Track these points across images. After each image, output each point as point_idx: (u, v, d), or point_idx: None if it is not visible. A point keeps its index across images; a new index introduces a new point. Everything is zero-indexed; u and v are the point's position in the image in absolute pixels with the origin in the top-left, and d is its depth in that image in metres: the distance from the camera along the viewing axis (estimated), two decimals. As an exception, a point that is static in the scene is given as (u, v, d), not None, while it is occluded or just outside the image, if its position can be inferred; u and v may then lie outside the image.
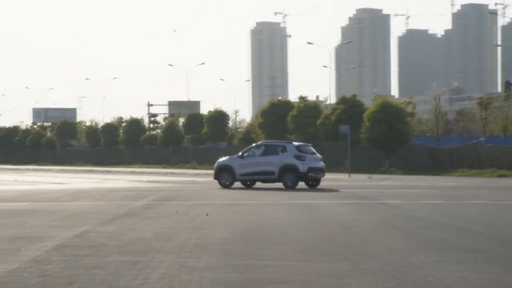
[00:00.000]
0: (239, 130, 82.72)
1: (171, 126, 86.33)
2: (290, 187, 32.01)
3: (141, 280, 8.94)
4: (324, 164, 33.71)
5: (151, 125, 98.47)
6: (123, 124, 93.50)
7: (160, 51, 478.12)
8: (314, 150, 33.72)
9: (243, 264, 10.22)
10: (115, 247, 12.10)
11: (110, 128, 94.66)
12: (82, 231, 14.45)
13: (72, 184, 39.33)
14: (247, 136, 74.32)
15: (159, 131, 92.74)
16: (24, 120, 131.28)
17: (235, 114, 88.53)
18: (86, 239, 13.14)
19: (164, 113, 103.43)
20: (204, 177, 46.20)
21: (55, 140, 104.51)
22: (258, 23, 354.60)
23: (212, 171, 35.65)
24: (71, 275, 9.29)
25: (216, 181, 33.50)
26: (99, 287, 8.47)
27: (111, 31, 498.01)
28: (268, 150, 33.40)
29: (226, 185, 32.71)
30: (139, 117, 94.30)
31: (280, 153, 32.87)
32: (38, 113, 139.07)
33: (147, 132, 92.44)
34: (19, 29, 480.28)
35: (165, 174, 57.06)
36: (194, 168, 70.65)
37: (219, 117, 79.10)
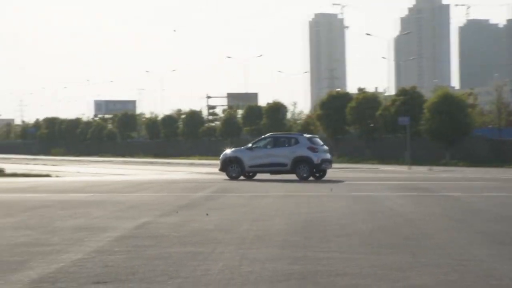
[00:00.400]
0: (297, 122, 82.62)
1: (229, 118, 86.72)
2: (305, 178, 32.35)
3: (202, 271, 9.03)
4: (331, 156, 34.57)
5: (210, 117, 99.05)
6: (182, 116, 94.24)
7: (218, 43, 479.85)
8: (322, 142, 34.29)
9: (302, 256, 10.24)
10: (176, 238, 12.23)
11: (170, 120, 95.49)
12: (143, 222, 14.64)
13: (133, 175, 39.83)
14: (306, 128, 74.21)
15: (217, 123, 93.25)
16: (86, 112, 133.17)
17: (293, 106, 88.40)
18: (148, 230, 13.31)
19: (222, 105, 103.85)
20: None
21: (116, 132, 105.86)
22: (315, 15, 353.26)
23: None
24: (133, 265, 9.43)
25: (221, 173, 33.95)
26: (160, 278, 8.59)
27: (170, 24, 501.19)
28: (278, 142, 33.79)
29: (233, 177, 32.81)
30: (198, 109, 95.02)
31: (292, 145, 33.28)
32: (99, 105, 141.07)
33: (206, 124, 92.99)
34: (80, 22, 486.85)
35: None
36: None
37: (278, 109, 79.21)
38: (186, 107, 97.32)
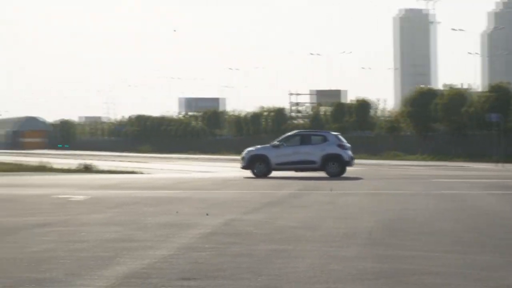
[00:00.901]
0: (384, 119, 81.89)
1: (314, 115, 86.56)
2: (335, 175, 32.62)
3: (289, 269, 9.07)
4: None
5: (295, 114, 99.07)
6: (266, 113, 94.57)
7: (302, 39, 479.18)
8: (345, 140, 34.86)
9: (389, 255, 10.18)
10: (262, 235, 12.31)
11: (255, 117, 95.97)
12: (229, 219, 14.77)
13: (219, 173, 40.20)
14: (393, 125, 73.54)
15: (301, 120, 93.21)
16: (173, 109, 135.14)
17: (380, 103, 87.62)
18: (234, 227, 13.43)
19: (306, 102, 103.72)
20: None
21: (202, 129, 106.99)
22: (402, 10, 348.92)
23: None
24: (220, 262, 9.54)
25: (242, 171, 34.18)
26: (247, 275, 8.66)
27: (253, 21, 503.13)
28: (305, 140, 34.06)
29: (259, 175, 32.75)
30: (282, 106, 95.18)
31: (320, 142, 33.63)
32: (185, 102, 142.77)
33: (291, 121, 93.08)
34: (165, 22, 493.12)
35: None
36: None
37: (364, 106, 78.70)
38: (270, 104, 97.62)
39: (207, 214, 15.50)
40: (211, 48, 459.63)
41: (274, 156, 33.21)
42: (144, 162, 59.38)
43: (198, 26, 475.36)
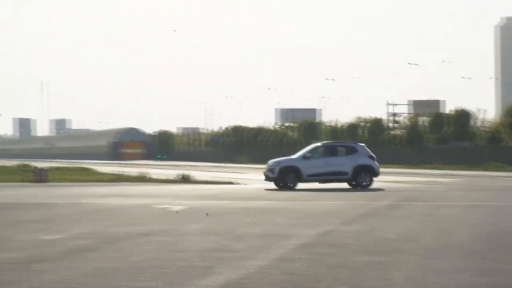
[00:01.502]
0: (484, 129, 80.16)
1: (412, 125, 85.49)
2: (366, 187, 32.58)
3: (386, 281, 8.99)
4: None
5: (392, 125, 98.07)
6: (364, 124, 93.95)
7: (399, 48, 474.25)
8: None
9: (490, 268, 9.96)
10: (359, 246, 12.23)
11: (352, 128, 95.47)
12: (325, 230, 14.73)
13: (314, 183, 40.06)
14: (493, 136, 71.93)
15: (399, 131, 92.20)
16: (270, 120, 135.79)
17: (480, 113, 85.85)
18: (330, 238, 13.39)
19: (404, 112, 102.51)
20: (448, 178, 45.30)
21: (297, 139, 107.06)
22: (503, 18, 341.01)
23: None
24: (316, 273, 9.53)
25: (266, 183, 33.68)
26: (344, 287, 8.62)
27: (351, 32, 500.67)
28: (335, 151, 34.04)
29: (291, 187, 32.40)
30: (380, 116, 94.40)
31: (350, 153, 33.57)
32: (282, 113, 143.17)
33: (388, 132, 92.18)
34: (264, 34, 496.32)
35: (407, 174, 56.55)
36: (437, 168, 69.42)
37: (463, 116, 77.26)
38: (367, 115, 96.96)
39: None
40: (308, 58, 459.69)
41: (306, 168, 32.90)
42: (242, 173, 59.82)
43: (296, 37, 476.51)
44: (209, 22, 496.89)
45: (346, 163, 33.14)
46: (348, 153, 33.80)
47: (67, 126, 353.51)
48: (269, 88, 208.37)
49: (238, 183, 39.11)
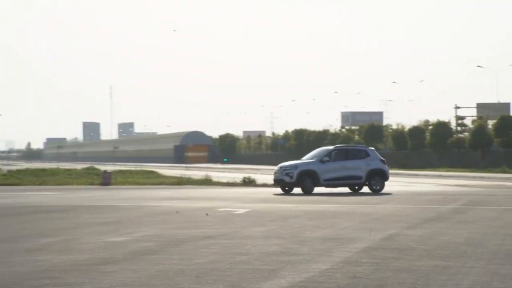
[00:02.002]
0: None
1: (480, 129, 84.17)
2: (378, 191, 32.22)
3: (452, 286, 8.84)
4: None
5: (459, 128, 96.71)
6: (430, 127, 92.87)
7: (468, 51, 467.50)
8: None
9: (560, 274, 9.70)
10: (424, 251, 12.07)
11: (417, 131, 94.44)
12: (390, 234, 14.59)
13: (380, 187, 39.72)
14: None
15: (467, 134, 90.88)
16: (334, 124, 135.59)
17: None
18: (395, 242, 13.25)
19: (472, 116, 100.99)
20: (514, 181, 44.41)
21: (362, 143, 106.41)
22: None
23: None
24: (381, 277, 9.43)
25: (271, 189, 33.63)
26: (409, 291, 8.51)
27: (418, 34, 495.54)
28: (349, 155, 33.22)
29: (309, 192, 31.60)
30: (446, 120, 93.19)
31: (363, 157, 33.07)
32: (346, 116, 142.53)
33: (455, 135, 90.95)
34: (327, 37, 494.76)
35: (473, 178, 55.71)
36: (504, 172, 68.20)
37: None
38: (434, 118, 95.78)
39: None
40: (374, 61, 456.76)
41: (323, 172, 32.11)
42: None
43: (363, 40, 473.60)
44: (277, 27, 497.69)
45: (360, 167, 32.66)
46: (360, 157, 33.19)
47: (134, 130, 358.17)
48: (335, 92, 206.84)
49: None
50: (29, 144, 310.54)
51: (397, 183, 45.68)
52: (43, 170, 63.75)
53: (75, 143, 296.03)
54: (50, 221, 17.99)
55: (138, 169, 70.78)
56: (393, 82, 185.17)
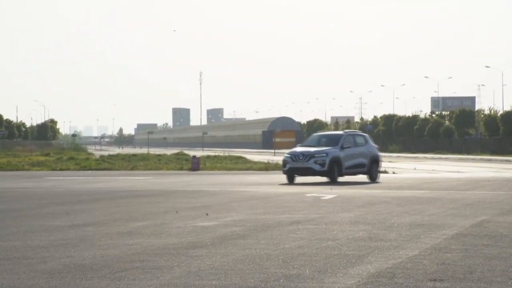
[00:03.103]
0: None
1: None
2: (375, 179, 30.28)
3: (544, 274, 8.64)
4: None
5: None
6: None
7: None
8: None
9: None
10: (516, 238, 11.82)
11: (510, 117, 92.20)
12: (481, 221, 14.34)
13: (470, 173, 39.09)
14: None
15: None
16: (423, 109, 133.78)
17: None
18: (485, 229, 13.02)
19: None
20: None
21: (452, 129, 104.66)
22: None
23: None
24: (470, 264, 9.29)
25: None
26: (500, 278, 8.36)
27: (500, 16, 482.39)
28: (356, 141, 30.93)
29: (335, 181, 28.76)
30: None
31: (364, 144, 31.16)
32: (437, 102, 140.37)
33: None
34: (411, 22, 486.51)
35: None
36: None
37: None
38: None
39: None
40: (467, 45, 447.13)
41: (345, 159, 29.74)
42: (394, 162, 59.13)
43: (454, 24, 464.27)
44: (365, 8, 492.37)
45: (366, 154, 30.72)
46: (363, 143, 31.23)
47: (223, 116, 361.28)
48: (426, 77, 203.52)
49: (389, 172, 38.68)
50: (120, 129, 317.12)
51: (489, 169, 44.78)
52: (134, 155, 64.96)
53: (165, 129, 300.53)
54: (141, 206, 18.35)
55: (226, 154, 71.39)
56: (486, 66, 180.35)
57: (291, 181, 29.01)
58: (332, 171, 29.04)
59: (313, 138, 31.92)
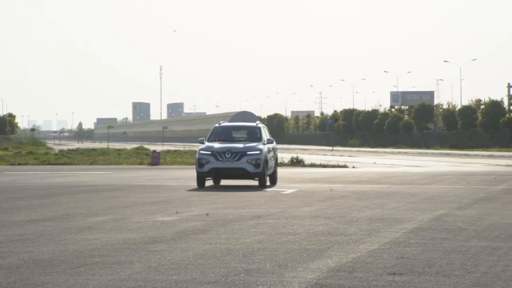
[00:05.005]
0: None
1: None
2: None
3: (502, 267, 8.75)
4: None
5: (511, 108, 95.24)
6: (482, 107, 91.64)
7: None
8: None
9: None
10: (474, 231, 11.96)
11: (468, 111, 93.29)
12: (439, 215, 14.48)
13: (429, 167, 39.47)
14: None
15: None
16: (383, 103, 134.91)
17: None
18: (444, 223, 13.15)
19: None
20: None
21: (412, 123, 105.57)
22: None
23: None
24: (429, 258, 9.37)
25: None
26: (458, 272, 8.44)
27: (460, 11, 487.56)
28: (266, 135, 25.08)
29: (266, 185, 23.46)
30: (498, 99, 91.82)
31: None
32: (396, 96, 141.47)
33: (507, 115, 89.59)
34: (384, 17, 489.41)
35: (525, 158, 54.87)
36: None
37: None
38: (486, 97, 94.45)
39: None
40: (425, 40, 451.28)
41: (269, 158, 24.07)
42: (354, 156, 59.50)
43: (414, 19, 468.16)
44: (325, 3, 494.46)
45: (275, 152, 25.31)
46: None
47: (183, 110, 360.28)
48: (385, 71, 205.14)
49: (348, 167, 38.89)
50: (80, 124, 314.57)
51: (447, 163, 45.25)
52: (94, 150, 64.55)
53: (125, 123, 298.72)
54: (101, 200, 18.23)
55: (187, 149, 71.21)
56: (445, 61, 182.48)
57: (202, 185, 23.28)
58: (264, 173, 23.31)
59: (223, 130, 24.96)
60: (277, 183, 24.50)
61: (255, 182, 23.83)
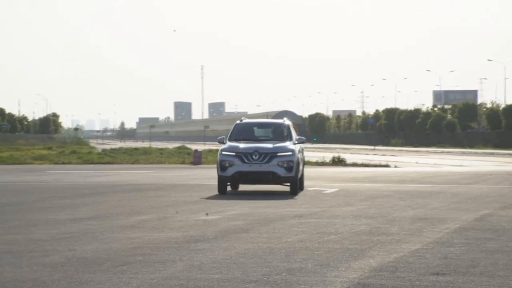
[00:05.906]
0: None
1: None
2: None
3: (546, 268, 8.63)
4: None
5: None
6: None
7: None
8: None
9: None
10: (518, 232, 11.82)
11: (511, 110, 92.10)
12: (483, 215, 14.33)
13: (472, 166, 39.08)
14: None
15: None
16: (425, 102, 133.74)
17: None
18: (488, 223, 13.01)
19: None
20: None
21: (455, 122, 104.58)
22: None
23: None
24: (473, 258, 9.28)
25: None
26: (502, 272, 8.35)
27: (502, 9, 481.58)
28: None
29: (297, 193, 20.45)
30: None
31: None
32: (439, 95, 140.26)
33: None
34: (427, 15, 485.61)
35: None
36: None
37: None
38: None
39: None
40: (469, 39, 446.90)
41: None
42: (396, 156, 59.13)
43: (457, 18, 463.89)
44: (367, 2, 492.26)
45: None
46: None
47: (225, 110, 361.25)
48: (428, 70, 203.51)
49: (391, 166, 38.66)
50: (122, 123, 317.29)
51: (491, 162, 44.75)
52: (136, 149, 64.99)
53: (167, 123, 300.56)
54: (143, 199, 18.35)
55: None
56: (488, 60, 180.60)
57: (224, 191, 20.25)
58: (297, 177, 20.25)
59: (245, 128, 22.24)
60: (304, 188, 21.65)
61: (283, 188, 21.13)
